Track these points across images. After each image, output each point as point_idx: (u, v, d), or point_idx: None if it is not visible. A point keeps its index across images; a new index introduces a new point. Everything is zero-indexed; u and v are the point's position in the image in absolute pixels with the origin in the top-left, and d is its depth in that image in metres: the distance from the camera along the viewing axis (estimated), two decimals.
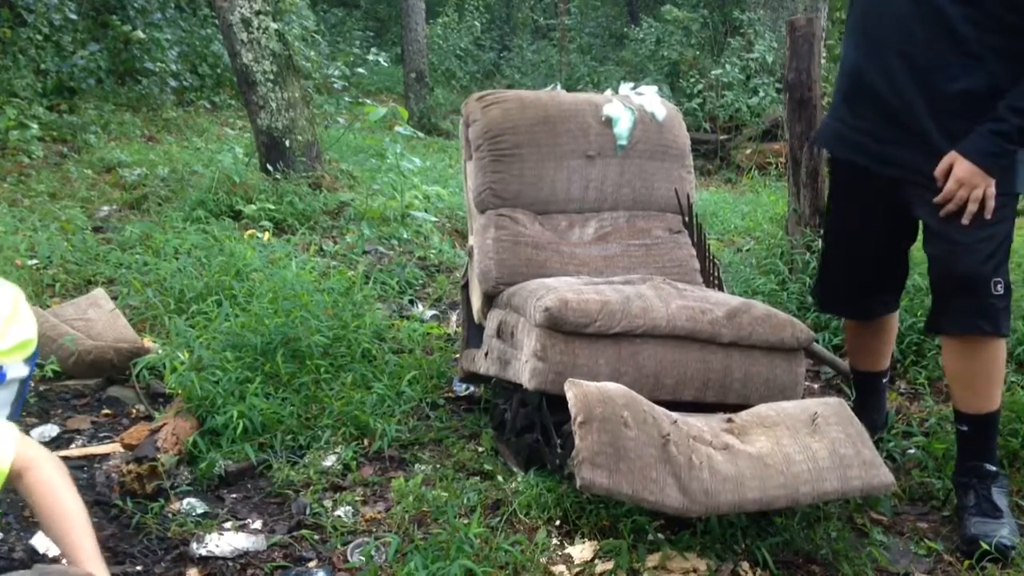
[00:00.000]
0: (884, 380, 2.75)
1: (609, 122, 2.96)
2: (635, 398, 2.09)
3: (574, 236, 2.95)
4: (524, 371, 2.35)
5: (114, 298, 3.59)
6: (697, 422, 2.15)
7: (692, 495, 1.94)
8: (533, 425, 2.48)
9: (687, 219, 3.07)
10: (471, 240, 2.92)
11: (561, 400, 2.14)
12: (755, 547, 2.11)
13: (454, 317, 3.96)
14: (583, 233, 2.96)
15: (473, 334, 3.02)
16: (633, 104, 3.03)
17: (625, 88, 3.17)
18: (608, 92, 3.14)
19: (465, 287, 3.08)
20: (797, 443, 2.10)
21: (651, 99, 3.09)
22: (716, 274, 3.00)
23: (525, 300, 2.45)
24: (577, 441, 1.95)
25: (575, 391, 2.04)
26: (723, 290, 2.93)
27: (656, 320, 2.34)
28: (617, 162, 2.97)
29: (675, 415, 2.14)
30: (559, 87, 3.18)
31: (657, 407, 2.13)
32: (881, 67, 2.19)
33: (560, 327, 2.28)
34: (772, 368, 2.45)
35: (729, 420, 2.20)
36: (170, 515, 2.29)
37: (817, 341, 3.43)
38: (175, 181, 5.93)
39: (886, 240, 2.46)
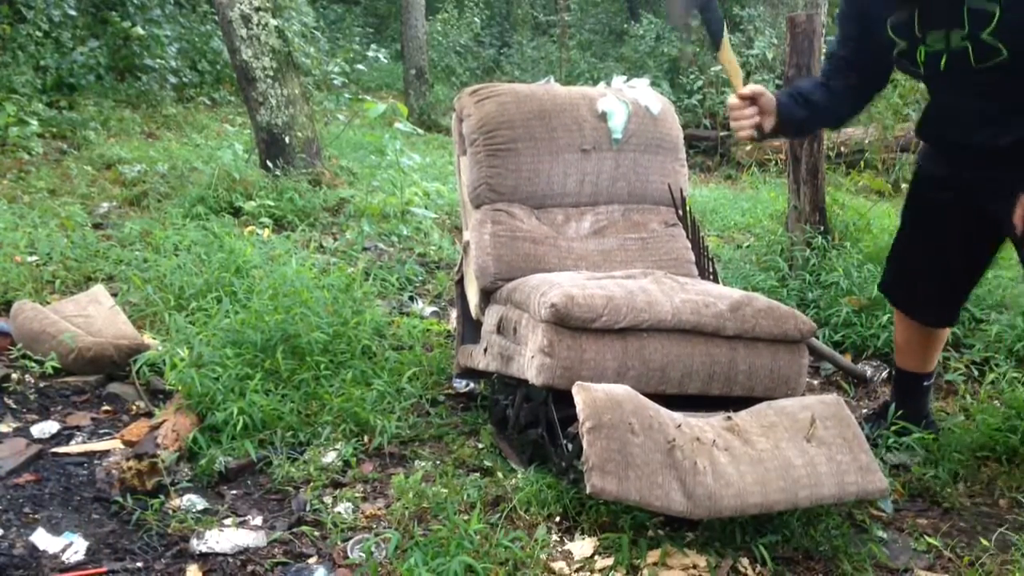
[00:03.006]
0: (926, 383, 2.76)
1: (604, 116, 2.96)
2: (641, 403, 2.10)
3: (571, 230, 2.95)
4: (530, 367, 2.35)
5: (114, 295, 3.59)
6: (700, 423, 2.17)
7: (696, 499, 1.98)
8: (537, 421, 2.47)
9: (681, 213, 3.08)
10: (466, 235, 2.91)
11: (567, 396, 2.15)
12: (755, 544, 2.11)
13: (454, 314, 3.96)
14: (579, 227, 2.96)
15: (469, 330, 3.02)
16: (627, 98, 3.03)
17: (618, 82, 3.17)
18: (602, 85, 3.14)
19: (460, 283, 3.07)
20: (796, 447, 2.14)
21: (645, 92, 3.08)
22: (711, 267, 3.01)
23: (528, 296, 2.44)
24: (586, 447, 1.97)
25: (583, 396, 2.05)
26: (718, 282, 2.94)
27: (661, 314, 2.34)
28: (612, 156, 2.97)
29: (679, 417, 2.14)
30: (552, 80, 3.17)
31: (662, 410, 2.14)
32: (958, 135, 2.32)
33: (566, 323, 2.28)
34: (776, 360, 2.46)
35: (729, 419, 2.21)
36: (170, 511, 2.29)
37: (817, 337, 3.43)
38: (175, 178, 5.93)
39: (974, 256, 2.52)
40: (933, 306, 2.62)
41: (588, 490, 1.94)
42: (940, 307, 2.62)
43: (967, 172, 2.34)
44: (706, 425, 2.17)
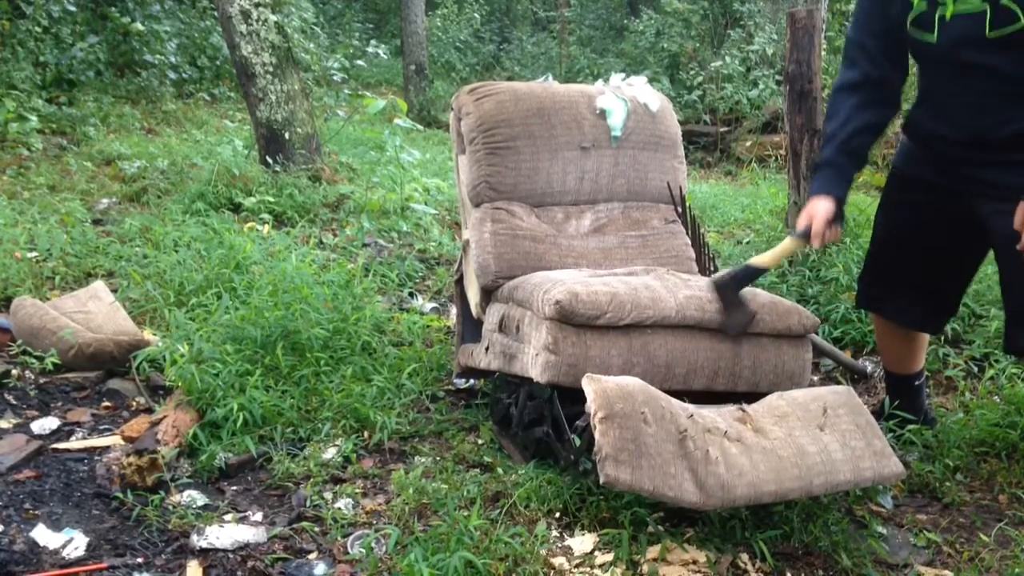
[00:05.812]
0: (917, 382, 2.74)
1: (603, 114, 2.95)
2: (653, 393, 2.09)
3: (571, 228, 2.94)
4: (535, 365, 2.34)
5: (114, 291, 3.59)
6: (711, 414, 2.16)
7: (709, 490, 1.96)
8: (542, 418, 2.46)
9: (680, 210, 3.08)
10: (466, 234, 2.91)
11: (572, 393, 2.13)
12: (754, 539, 2.11)
13: (454, 311, 3.96)
14: (580, 225, 2.96)
15: (469, 329, 3.01)
16: (626, 95, 3.03)
17: (616, 79, 3.17)
18: (599, 83, 3.14)
19: (459, 282, 3.06)
20: (809, 435, 2.12)
21: (643, 90, 3.08)
22: (712, 264, 3.00)
23: (530, 293, 2.44)
24: (598, 437, 1.94)
25: (594, 387, 2.04)
26: None
27: (665, 310, 2.34)
28: (611, 153, 2.97)
29: (691, 408, 2.14)
30: (551, 78, 3.17)
31: (674, 401, 2.13)
32: (952, 128, 2.30)
33: (571, 320, 2.27)
34: (780, 355, 2.46)
35: (741, 410, 2.20)
36: (170, 507, 2.29)
37: (817, 333, 3.44)
38: (174, 174, 5.93)
39: (960, 258, 2.50)
40: (918, 310, 2.57)
41: (601, 480, 1.90)
42: (925, 312, 2.58)
43: (955, 173, 2.30)
44: (717, 416, 2.15)
